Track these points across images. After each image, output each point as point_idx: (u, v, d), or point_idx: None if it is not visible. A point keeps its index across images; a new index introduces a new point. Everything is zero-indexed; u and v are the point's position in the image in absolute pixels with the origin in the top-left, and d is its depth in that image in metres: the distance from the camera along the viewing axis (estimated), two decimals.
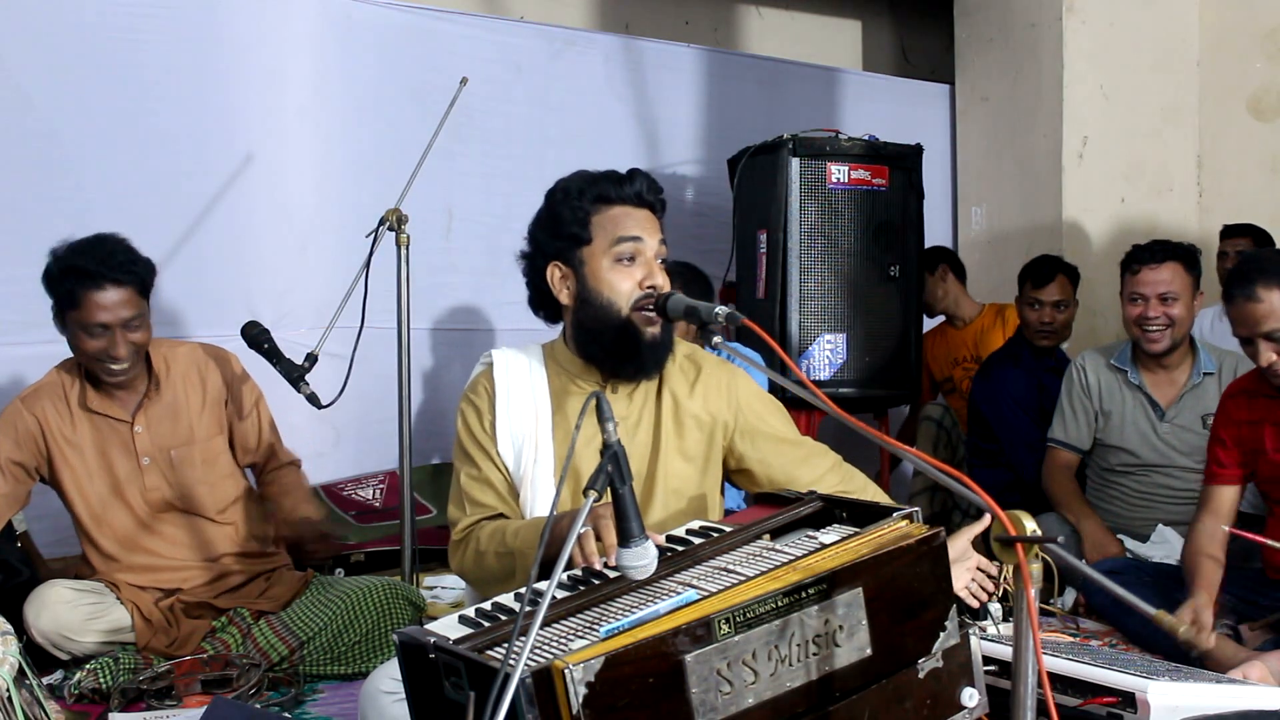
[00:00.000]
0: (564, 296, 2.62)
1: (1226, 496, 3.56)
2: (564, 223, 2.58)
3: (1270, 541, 3.41)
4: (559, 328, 2.76)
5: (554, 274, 2.61)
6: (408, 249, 4.01)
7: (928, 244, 5.45)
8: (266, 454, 3.80)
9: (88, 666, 3.34)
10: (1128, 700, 2.63)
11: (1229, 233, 5.58)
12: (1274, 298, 3.19)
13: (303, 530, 3.68)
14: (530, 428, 2.65)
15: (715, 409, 2.75)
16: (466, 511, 2.65)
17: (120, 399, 3.54)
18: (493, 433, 2.65)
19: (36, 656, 3.22)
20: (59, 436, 3.50)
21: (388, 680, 2.35)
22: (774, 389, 3.19)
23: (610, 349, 2.60)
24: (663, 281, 2.57)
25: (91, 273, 3.34)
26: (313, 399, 3.69)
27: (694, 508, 2.72)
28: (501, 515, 2.65)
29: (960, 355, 5.64)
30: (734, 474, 2.84)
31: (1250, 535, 3.57)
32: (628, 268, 2.56)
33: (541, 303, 2.70)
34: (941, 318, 5.88)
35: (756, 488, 2.79)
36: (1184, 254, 4.13)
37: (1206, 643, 3.19)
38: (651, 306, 2.53)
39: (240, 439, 3.72)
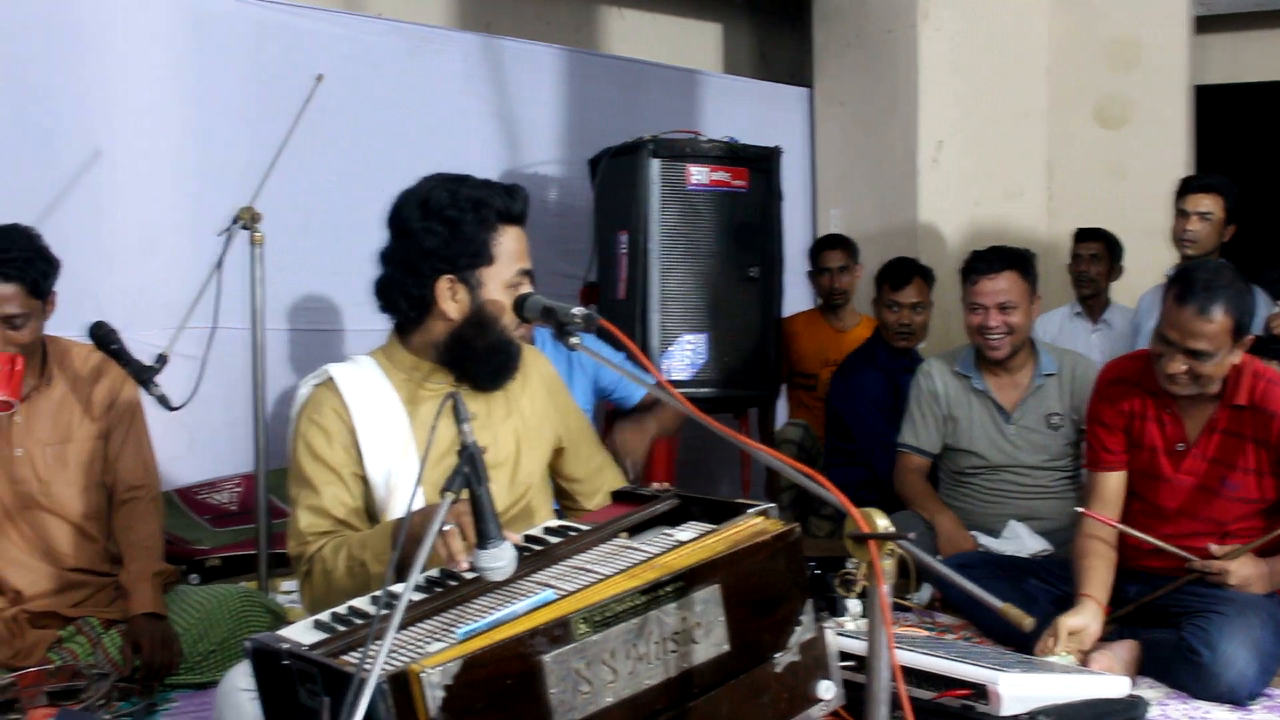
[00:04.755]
0: (452, 310, 2.58)
1: (1114, 483, 3.58)
2: (469, 240, 2.55)
3: (1160, 542, 3.48)
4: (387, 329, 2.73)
5: (444, 286, 2.57)
6: (262, 248, 3.94)
7: (787, 246, 5.49)
8: (125, 480, 3.60)
9: None
10: (980, 692, 2.70)
11: (1082, 236, 5.74)
12: (1222, 324, 3.22)
13: (140, 635, 3.38)
14: (394, 440, 2.60)
15: (543, 402, 2.81)
16: (307, 542, 2.57)
17: None
18: (355, 453, 2.59)
19: None
20: None
21: (245, 678, 2.30)
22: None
23: (485, 364, 2.60)
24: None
25: None
26: (163, 401, 3.60)
27: (547, 501, 2.77)
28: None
29: (833, 357, 5.61)
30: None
31: (1136, 533, 3.55)
32: (514, 291, 2.60)
33: (411, 305, 2.63)
34: (810, 306, 5.96)
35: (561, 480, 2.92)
36: (1020, 262, 4.25)
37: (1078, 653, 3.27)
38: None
39: (111, 453, 3.60)
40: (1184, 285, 3.29)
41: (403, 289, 2.61)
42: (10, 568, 3.42)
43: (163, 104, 4.94)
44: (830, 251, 5.74)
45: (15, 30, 4.59)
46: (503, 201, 2.59)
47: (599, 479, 2.93)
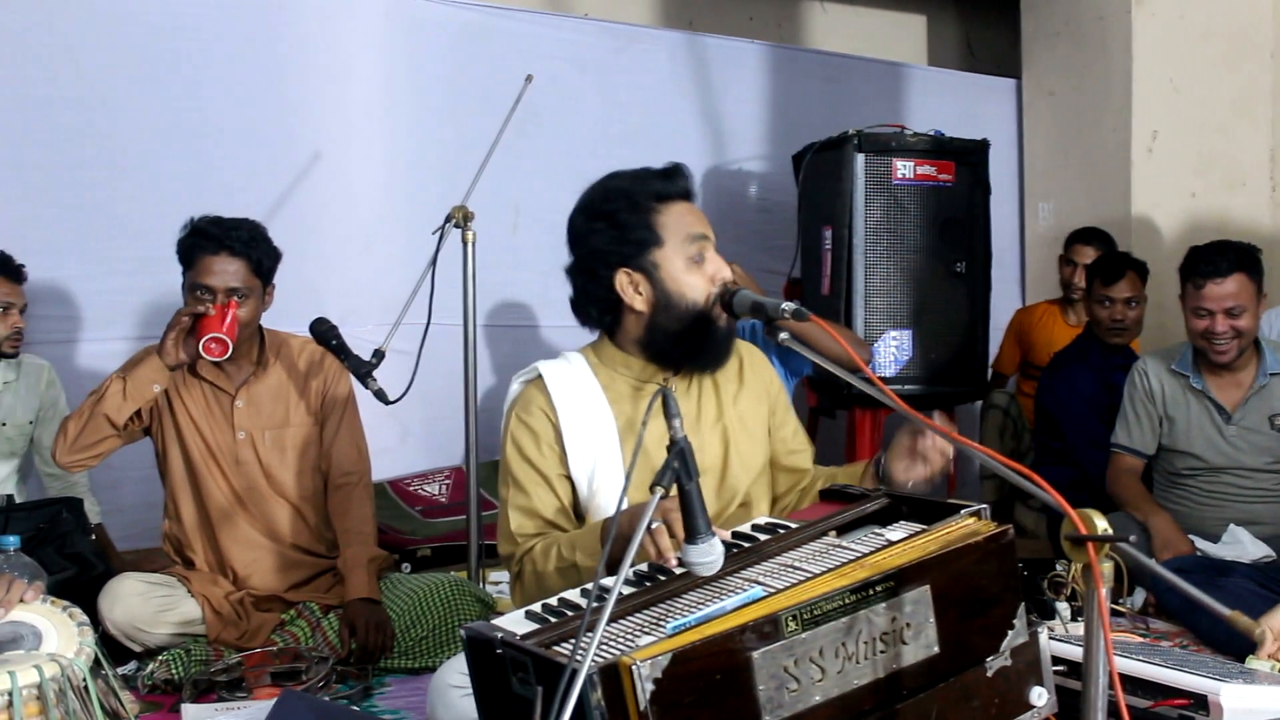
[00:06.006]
0: (639, 303, 2.57)
1: None
2: (630, 227, 2.55)
3: None
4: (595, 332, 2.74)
5: (623, 280, 2.57)
6: (474, 246, 4.03)
7: (995, 240, 5.40)
8: (339, 465, 3.75)
9: (160, 658, 3.39)
10: (1199, 702, 2.59)
11: None
12: None
13: (355, 618, 3.52)
14: (599, 438, 2.61)
15: (761, 395, 2.78)
16: (517, 543, 2.60)
17: (228, 371, 3.62)
18: (560, 452, 2.60)
19: (111, 647, 3.26)
20: (171, 391, 3.57)
21: (456, 674, 2.36)
22: (839, 385, 3.19)
23: (688, 346, 2.58)
24: (728, 274, 2.58)
25: (211, 236, 3.49)
26: (380, 395, 3.72)
27: (759, 497, 2.73)
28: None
29: None
30: None
31: None
32: (699, 265, 2.56)
33: (602, 310, 2.64)
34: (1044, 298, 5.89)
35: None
36: (1247, 262, 4.04)
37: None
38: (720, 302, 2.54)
39: (325, 439, 3.74)
40: None
41: (591, 296, 2.63)
42: (236, 547, 3.61)
43: (377, 107, 5.11)
44: (1084, 246, 5.59)
45: (235, 40, 4.80)
46: (657, 183, 2.58)
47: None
